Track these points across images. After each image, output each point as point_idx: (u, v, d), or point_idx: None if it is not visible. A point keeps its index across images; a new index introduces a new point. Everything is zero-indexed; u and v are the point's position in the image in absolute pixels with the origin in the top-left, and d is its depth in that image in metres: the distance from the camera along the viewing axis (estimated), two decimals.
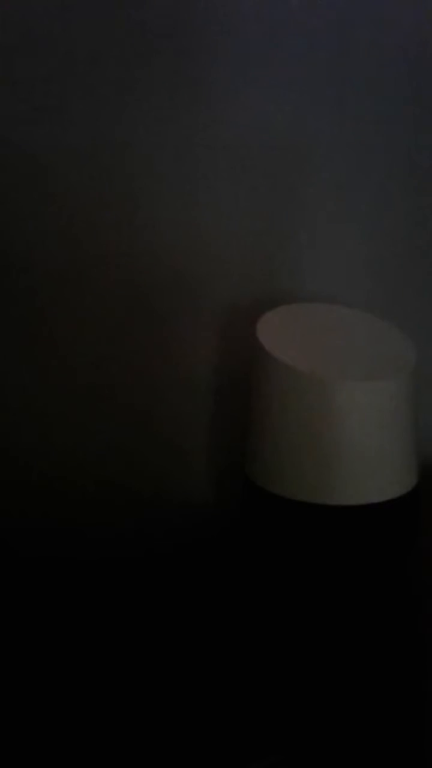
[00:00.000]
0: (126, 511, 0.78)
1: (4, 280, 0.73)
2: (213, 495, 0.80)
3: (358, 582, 0.68)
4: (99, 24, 0.70)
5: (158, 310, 0.76)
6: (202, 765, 0.54)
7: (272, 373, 0.66)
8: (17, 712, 0.58)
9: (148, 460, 0.78)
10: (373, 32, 0.74)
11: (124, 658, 0.63)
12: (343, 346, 0.68)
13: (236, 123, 0.73)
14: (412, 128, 0.77)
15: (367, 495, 0.65)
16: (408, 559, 0.70)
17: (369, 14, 0.73)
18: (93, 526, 0.76)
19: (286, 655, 0.64)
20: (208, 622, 0.67)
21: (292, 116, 0.74)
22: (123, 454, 0.78)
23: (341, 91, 0.75)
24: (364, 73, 0.75)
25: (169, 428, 0.79)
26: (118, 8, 0.70)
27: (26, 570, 0.72)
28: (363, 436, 0.64)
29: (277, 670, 0.62)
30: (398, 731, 0.57)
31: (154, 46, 0.71)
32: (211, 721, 0.57)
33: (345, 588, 0.68)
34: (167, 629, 0.66)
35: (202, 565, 0.74)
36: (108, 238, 0.74)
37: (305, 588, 0.67)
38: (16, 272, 0.73)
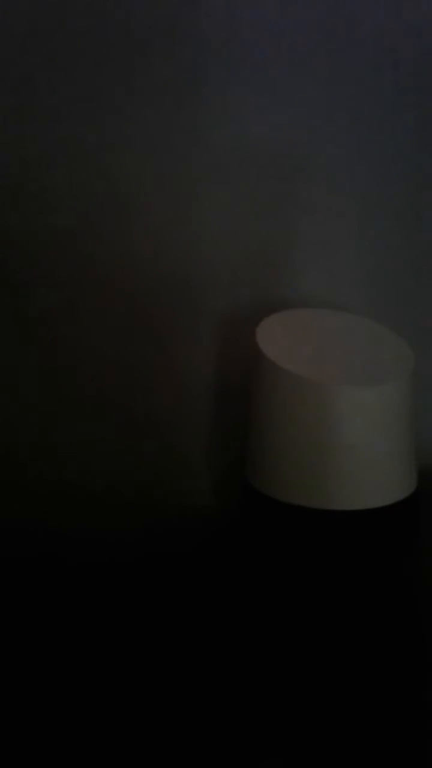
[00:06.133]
0: (125, 515, 0.78)
1: (3, 284, 0.74)
2: (213, 499, 0.80)
3: (357, 586, 0.68)
4: (98, 26, 0.70)
5: (157, 315, 0.76)
6: None
7: (271, 378, 0.66)
8: (16, 714, 0.58)
9: (147, 464, 0.78)
10: (374, 34, 0.74)
11: (122, 661, 0.63)
12: (342, 351, 0.68)
13: (235, 126, 0.73)
14: (413, 131, 0.77)
15: (367, 500, 0.65)
16: (407, 564, 0.70)
17: (369, 16, 0.73)
18: (92, 529, 0.76)
19: (285, 659, 0.64)
20: (208, 626, 0.67)
21: (291, 119, 0.74)
22: (122, 457, 0.78)
23: (341, 94, 0.75)
24: (364, 76, 0.75)
25: (168, 432, 0.79)
26: (118, 10, 0.70)
27: (24, 572, 0.72)
28: (362, 441, 0.64)
29: (277, 674, 0.62)
30: (398, 735, 0.57)
31: (154, 50, 0.71)
32: (210, 724, 0.57)
33: (344, 592, 0.68)
34: (166, 632, 0.66)
35: (202, 569, 0.74)
36: (107, 242, 0.74)
37: (304, 592, 0.67)
38: (16, 276, 0.74)
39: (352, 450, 0.64)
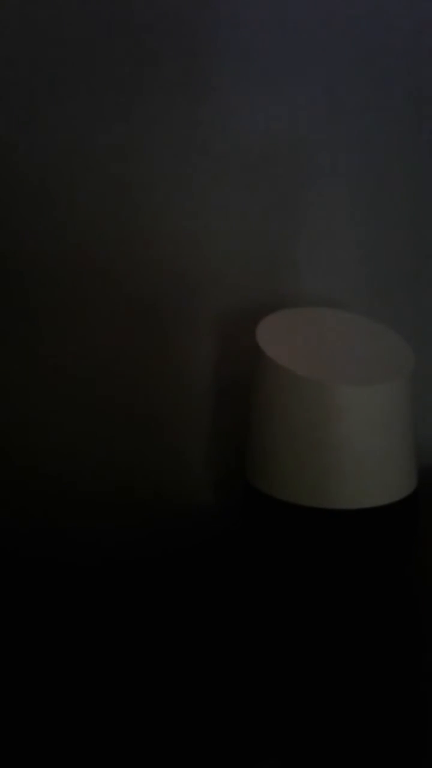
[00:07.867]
0: (127, 515, 0.78)
1: (4, 284, 0.74)
2: (213, 499, 0.80)
3: (358, 586, 0.68)
4: (101, 29, 0.70)
5: (158, 314, 0.76)
6: None
7: (272, 377, 0.66)
8: (17, 714, 0.58)
9: (148, 464, 0.78)
10: (374, 34, 0.74)
11: (122, 661, 0.63)
12: (342, 350, 0.68)
13: (236, 126, 0.74)
14: (414, 130, 0.77)
15: (367, 499, 0.65)
16: (408, 563, 0.70)
17: (370, 16, 0.73)
18: (92, 528, 0.77)
19: (286, 659, 0.64)
20: (209, 626, 0.67)
21: (292, 119, 0.74)
22: (124, 458, 0.78)
23: (342, 93, 0.75)
24: (364, 76, 0.75)
25: (169, 432, 0.79)
26: (120, 11, 0.70)
27: (26, 573, 0.72)
28: (363, 440, 0.64)
29: (277, 675, 0.62)
30: (398, 736, 0.57)
31: (156, 51, 0.71)
32: (210, 725, 0.57)
33: (345, 592, 0.68)
34: (167, 633, 0.66)
35: (203, 569, 0.74)
36: (108, 241, 0.74)
37: (305, 591, 0.67)
38: (17, 275, 0.74)
39: (352, 449, 0.64)
